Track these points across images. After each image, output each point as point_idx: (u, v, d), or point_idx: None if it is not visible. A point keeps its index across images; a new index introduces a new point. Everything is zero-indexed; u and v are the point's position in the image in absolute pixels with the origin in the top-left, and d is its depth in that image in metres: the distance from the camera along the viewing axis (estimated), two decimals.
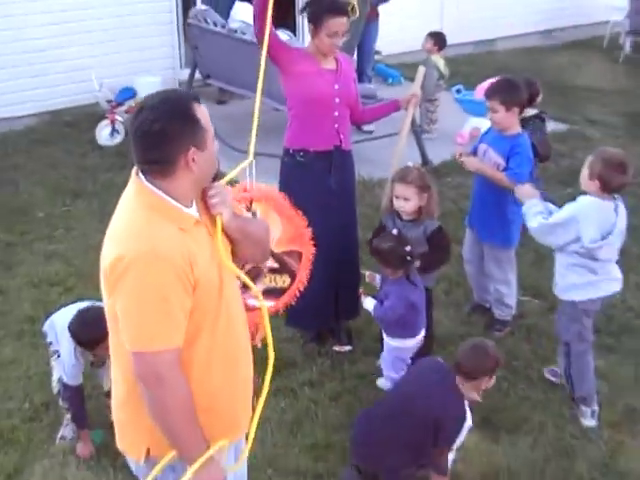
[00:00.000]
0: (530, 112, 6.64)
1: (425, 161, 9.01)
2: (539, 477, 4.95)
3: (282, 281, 3.68)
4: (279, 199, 3.69)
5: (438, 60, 9.88)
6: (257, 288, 3.45)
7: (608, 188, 5.05)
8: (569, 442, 5.21)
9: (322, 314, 5.16)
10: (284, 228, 3.68)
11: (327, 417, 5.38)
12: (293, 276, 3.74)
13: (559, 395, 5.59)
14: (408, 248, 5.29)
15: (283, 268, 3.67)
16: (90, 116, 9.84)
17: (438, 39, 9.91)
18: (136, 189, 3.07)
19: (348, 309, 5.73)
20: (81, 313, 4.88)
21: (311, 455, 5.01)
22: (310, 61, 5.56)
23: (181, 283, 2.94)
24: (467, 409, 4.67)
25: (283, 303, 3.83)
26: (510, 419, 5.34)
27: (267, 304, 3.59)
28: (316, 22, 5.45)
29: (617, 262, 5.30)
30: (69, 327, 4.82)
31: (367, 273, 5.57)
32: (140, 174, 3.07)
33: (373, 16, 10.42)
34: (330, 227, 5.24)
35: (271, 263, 3.64)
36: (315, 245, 4.46)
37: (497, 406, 5.28)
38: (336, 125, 5.64)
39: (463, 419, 4.63)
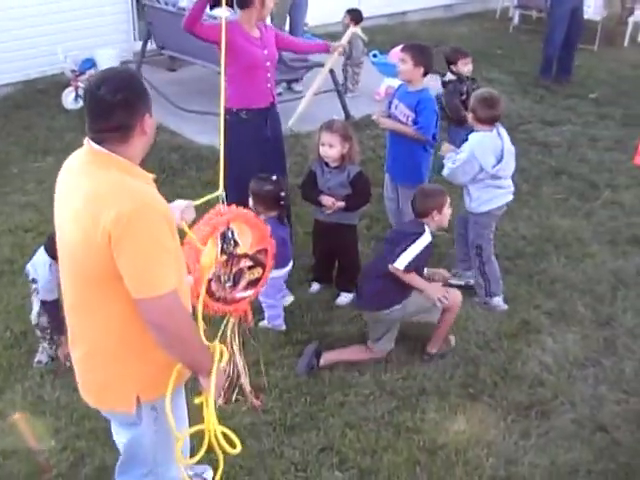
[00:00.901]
0: (449, 77, 6.70)
1: (347, 116, 8.85)
2: (449, 381, 4.94)
3: (257, 272, 3.89)
4: (246, 214, 3.79)
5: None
6: (242, 283, 3.83)
7: (481, 119, 5.34)
8: (474, 352, 5.20)
9: None
10: (253, 234, 3.81)
11: (267, 338, 5.31)
12: (264, 267, 3.86)
13: (464, 312, 5.52)
14: (283, 194, 5.20)
15: (256, 264, 3.83)
16: (57, 84, 9.54)
17: (355, 15, 9.65)
18: (96, 157, 2.90)
19: None
20: (52, 234, 4.83)
21: (253, 370, 4.84)
22: (242, 33, 5.64)
23: (170, 228, 2.87)
24: (428, 231, 4.94)
25: (260, 287, 3.96)
26: (423, 335, 5.26)
27: (249, 293, 3.89)
28: None
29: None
30: (44, 247, 4.75)
31: None
32: (94, 144, 2.89)
33: None
34: (267, 170, 5.34)
35: (248, 263, 3.74)
36: None
37: (412, 324, 5.23)
38: (269, 85, 5.79)
39: (420, 233, 4.90)
